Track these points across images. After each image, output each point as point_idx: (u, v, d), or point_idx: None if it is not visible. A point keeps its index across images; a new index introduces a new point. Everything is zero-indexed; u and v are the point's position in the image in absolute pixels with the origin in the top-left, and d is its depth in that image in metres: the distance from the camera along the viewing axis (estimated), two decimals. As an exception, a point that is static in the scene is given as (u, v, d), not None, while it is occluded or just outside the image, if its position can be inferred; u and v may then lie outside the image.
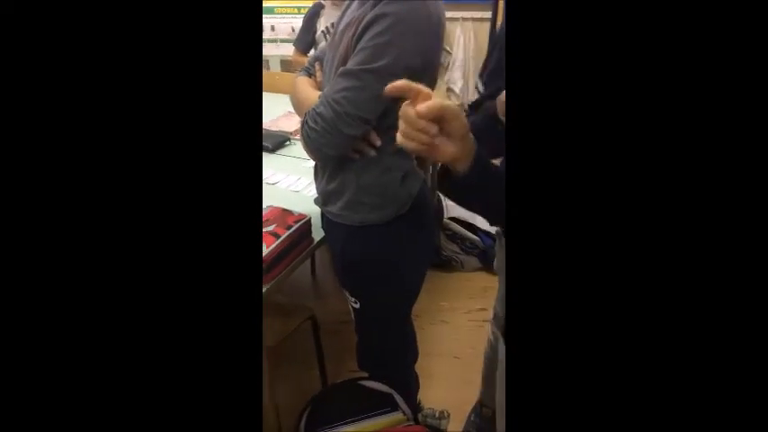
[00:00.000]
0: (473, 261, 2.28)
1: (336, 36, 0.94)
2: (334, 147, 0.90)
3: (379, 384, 1.18)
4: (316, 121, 0.88)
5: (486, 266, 2.27)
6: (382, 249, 1.05)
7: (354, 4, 0.93)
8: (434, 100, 0.52)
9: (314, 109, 0.89)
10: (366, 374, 1.24)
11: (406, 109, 0.53)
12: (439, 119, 0.53)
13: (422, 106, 0.52)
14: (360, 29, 0.85)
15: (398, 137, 0.55)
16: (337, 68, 0.88)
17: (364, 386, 1.19)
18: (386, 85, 0.85)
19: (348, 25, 0.89)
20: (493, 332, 1.34)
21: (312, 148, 0.92)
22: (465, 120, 0.56)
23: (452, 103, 0.53)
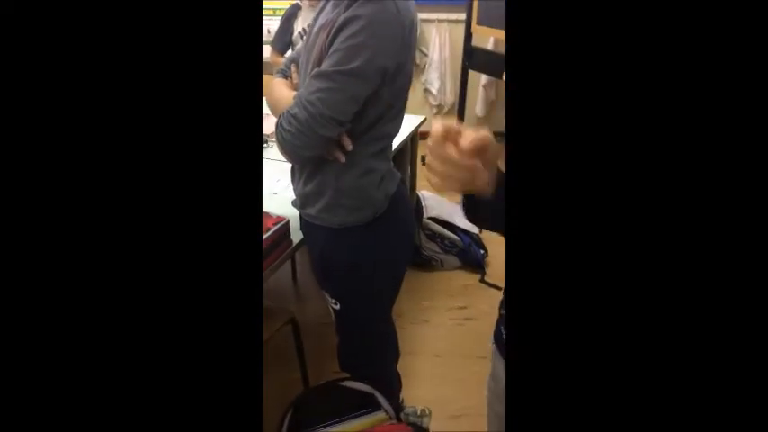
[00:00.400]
0: (453, 260, 2.29)
1: (311, 38, 0.95)
2: (309, 148, 0.91)
3: (361, 385, 1.19)
4: (290, 123, 0.88)
5: (466, 265, 2.29)
6: (361, 251, 1.06)
7: (329, 6, 0.93)
8: (471, 133, 0.49)
9: (288, 111, 0.89)
10: (348, 375, 1.24)
11: (446, 151, 0.49)
12: (480, 150, 0.49)
13: (466, 143, 0.48)
14: (333, 31, 0.85)
15: (435, 181, 0.51)
16: (312, 70, 0.89)
17: (346, 387, 1.19)
18: (359, 86, 0.86)
19: (322, 27, 0.90)
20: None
21: (287, 149, 0.92)
22: (497, 145, 0.52)
23: (485, 131, 0.50)
